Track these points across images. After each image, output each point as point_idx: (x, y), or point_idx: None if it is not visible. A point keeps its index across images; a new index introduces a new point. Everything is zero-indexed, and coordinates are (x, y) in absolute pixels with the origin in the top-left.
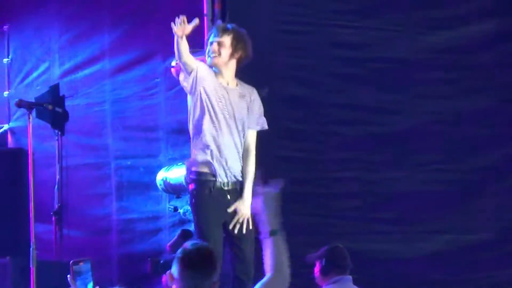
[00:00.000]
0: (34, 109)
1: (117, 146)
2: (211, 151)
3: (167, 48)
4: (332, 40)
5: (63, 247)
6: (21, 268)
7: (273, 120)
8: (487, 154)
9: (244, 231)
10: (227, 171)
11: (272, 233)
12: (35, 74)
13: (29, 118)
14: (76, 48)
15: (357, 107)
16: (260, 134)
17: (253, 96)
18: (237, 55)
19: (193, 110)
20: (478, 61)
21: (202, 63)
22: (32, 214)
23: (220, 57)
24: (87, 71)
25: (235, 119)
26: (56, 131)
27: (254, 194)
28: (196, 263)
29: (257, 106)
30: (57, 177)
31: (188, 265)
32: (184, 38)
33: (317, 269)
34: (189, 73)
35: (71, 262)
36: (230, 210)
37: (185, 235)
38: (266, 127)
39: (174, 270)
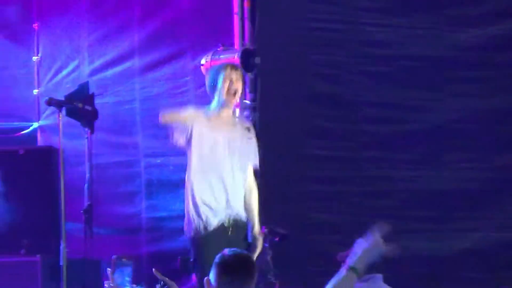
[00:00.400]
0: (64, 107)
1: (147, 144)
2: (207, 191)
3: (197, 47)
4: (363, 38)
5: (93, 245)
6: (51, 266)
7: (304, 118)
8: None
9: None
10: (226, 208)
11: (352, 268)
12: (64, 72)
13: (59, 116)
14: (106, 46)
15: (388, 105)
16: (292, 133)
17: (252, 132)
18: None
19: (187, 149)
20: (508, 59)
21: (193, 116)
22: (62, 213)
23: (237, 96)
24: (116, 69)
25: (235, 155)
26: (86, 129)
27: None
28: (234, 270)
29: (255, 142)
30: (87, 175)
31: (226, 271)
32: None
33: None
34: (184, 133)
35: (113, 256)
36: (258, 242)
37: None
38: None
39: (212, 276)
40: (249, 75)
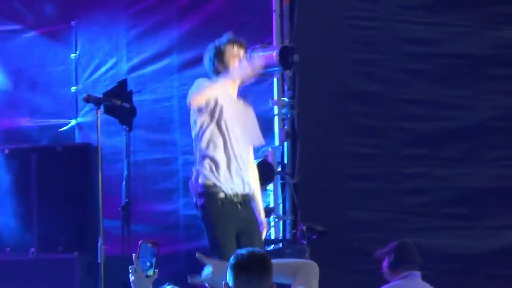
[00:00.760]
0: (102, 105)
1: (185, 142)
2: (221, 163)
3: None
4: (402, 35)
5: (131, 243)
6: (88, 264)
7: (344, 116)
8: None
9: (257, 241)
10: (238, 182)
11: None
12: (102, 70)
13: (97, 114)
14: (144, 44)
15: (426, 102)
16: (331, 131)
17: (252, 111)
18: None
19: (202, 121)
20: None
21: (216, 84)
22: (100, 210)
23: (245, 70)
24: (155, 67)
25: (242, 131)
26: (124, 126)
27: None
28: (250, 268)
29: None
30: (125, 172)
31: (242, 271)
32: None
33: (385, 265)
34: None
35: (140, 241)
36: (264, 229)
37: None
38: (263, 143)
39: (229, 277)
40: (288, 73)
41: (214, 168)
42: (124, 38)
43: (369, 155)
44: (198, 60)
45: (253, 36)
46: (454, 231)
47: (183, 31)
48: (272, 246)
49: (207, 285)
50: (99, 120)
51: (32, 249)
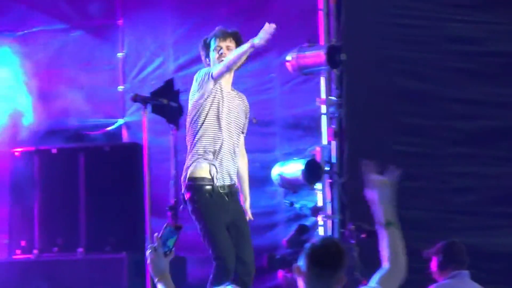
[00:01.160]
0: (149, 104)
1: None
2: (210, 155)
3: (282, 43)
4: (447, 34)
5: (179, 242)
6: (137, 263)
7: (389, 115)
8: None
9: (246, 232)
10: (224, 174)
11: (387, 224)
12: (149, 69)
13: (145, 113)
14: (191, 43)
15: (474, 101)
16: (378, 130)
17: (246, 103)
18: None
19: (197, 113)
20: None
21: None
22: (148, 209)
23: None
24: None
25: (234, 123)
26: (171, 125)
27: (369, 183)
28: (324, 259)
29: (248, 112)
30: (173, 171)
31: (315, 260)
32: None
33: (434, 264)
34: (217, 80)
35: (166, 223)
36: (248, 215)
37: (302, 230)
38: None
39: (302, 263)
40: (335, 72)
41: (202, 160)
42: (171, 37)
43: (416, 154)
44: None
45: (300, 35)
46: (502, 230)
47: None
48: None
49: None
50: (146, 119)
51: (80, 249)
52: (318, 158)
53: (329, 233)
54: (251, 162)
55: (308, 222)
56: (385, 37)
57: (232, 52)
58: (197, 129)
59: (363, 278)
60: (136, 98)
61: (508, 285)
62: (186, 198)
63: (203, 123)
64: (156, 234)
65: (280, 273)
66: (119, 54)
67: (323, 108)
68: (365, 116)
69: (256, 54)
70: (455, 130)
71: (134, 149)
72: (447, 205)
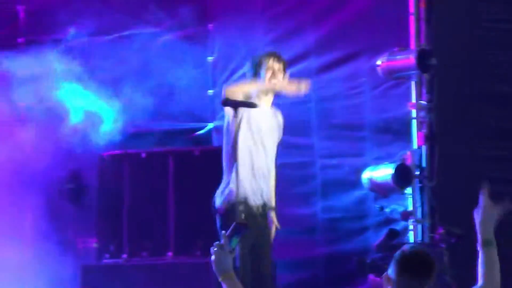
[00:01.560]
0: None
1: (323, 145)
2: (246, 175)
3: (373, 47)
4: None
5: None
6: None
7: (480, 119)
8: None
9: (266, 243)
10: (259, 195)
11: (486, 243)
12: (240, 73)
13: (235, 117)
14: (281, 47)
15: None
16: (469, 134)
17: (280, 119)
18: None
19: (230, 133)
20: None
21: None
22: (237, 213)
23: (278, 84)
24: (292, 70)
25: (269, 142)
26: None
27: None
28: (414, 267)
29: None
30: None
31: (405, 268)
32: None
33: None
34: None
35: (234, 222)
36: (272, 234)
37: (392, 235)
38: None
39: (391, 272)
40: (426, 76)
41: (238, 178)
42: (261, 41)
43: (508, 159)
44: (336, 63)
45: (390, 39)
46: None
47: (320, 34)
48: None
49: None
50: (236, 123)
51: (170, 253)
52: (408, 162)
53: (419, 237)
54: (341, 166)
55: (398, 226)
56: (476, 41)
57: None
58: (231, 146)
59: (453, 282)
60: (226, 102)
61: None
62: (218, 212)
63: (235, 138)
64: (224, 232)
65: (370, 278)
66: (209, 58)
67: (414, 113)
68: (456, 120)
69: (346, 58)
70: None
71: None
72: None
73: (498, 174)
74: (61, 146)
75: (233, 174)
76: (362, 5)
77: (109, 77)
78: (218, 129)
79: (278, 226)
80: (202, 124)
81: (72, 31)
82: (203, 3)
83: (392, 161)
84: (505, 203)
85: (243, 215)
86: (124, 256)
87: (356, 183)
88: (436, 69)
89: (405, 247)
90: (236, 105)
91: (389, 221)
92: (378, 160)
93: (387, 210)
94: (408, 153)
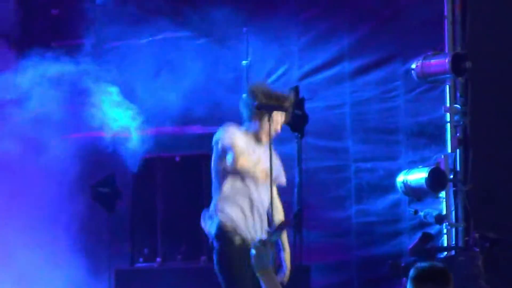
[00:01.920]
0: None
1: (357, 149)
2: (242, 208)
3: (408, 51)
4: None
5: (303, 250)
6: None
7: None
8: None
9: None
10: (253, 229)
11: None
12: (274, 76)
13: (269, 121)
14: (315, 51)
15: None
16: (503, 138)
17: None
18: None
19: (223, 166)
20: None
21: (235, 135)
22: (272, 217)
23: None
24: (326, 74)
25: (266, 174)
26: (296, 133)
27: None
28: (433, 279)
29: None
30: (297, 179)
31: (424, 281)
32: None
33: None
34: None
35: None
36: (286, 265)
37: (426, 239)
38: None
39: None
40: (460, 80)
41: (234, 213)
42: (296, 45)
43: None
44: (370, 67)
45: (424, 42)
46: None
47: (354, 38)
48: (445, 253)
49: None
50: (271, 127)
51: (204, 257)
52: (443, 166)
53: (453, 241)
54: (375, 170)
55: (433, 230)
56: (510, 45)
57: None
58: (224, 180)
59: (487, 286)
60: (260, 106)
61: None
62: (213, 246)
63: (229, 175)
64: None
65: (404, 281)
66: (244, 62)
67: (448, 116)
68: (490, 124)
69: (381, 62)
70: None
71: None
72: None
73: None
74: (95, 151)
75: (227, 208)
76: (396, 8)
77: (142, 81)
78: None
79: (287, 273)
80: None
81: (105, 34)
82: (238, 7)
83: (426, 165)
84: None
85: (233, 247)
86: (158, 260)
87: (390, 187)
88: (470, 73)
89: (418, 265)
90: (270, 109)
91: (423, 224)
92: (412, 164)
93: (421, 214)
94: (442, 156)
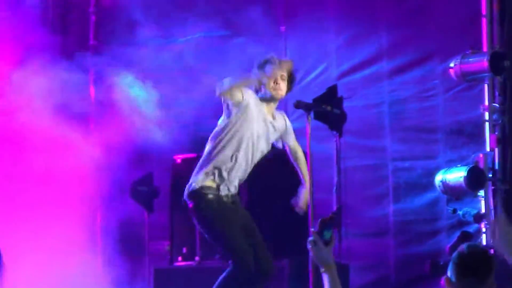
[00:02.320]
0: (312, 110)
1: (395, 148)
2: (220, 170)
3: (446, 50)
4: None
5: (341, 248)
6: (299, 270)
7: None
8: None
9: (255, 229)
10: (230, 185)
11: None
12: (312, 75)
13: (308, 119)
14: (353, 50)
15: None
16: None
17: (287, 123)
18: (289, 90)
19: (221, 130)
20: None
21: (249, 92)
22: (311, 216)
23: (282, 91)
24: (365, 72)
25: (257, 150)
26: (334, 132)
27: None
28: (472, 268)
29: (291, 127)
30: (335, 178)
31: (464, 270)
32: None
33: None
34: (237, 103)
35: (320, 219)
36: (302, 200)
37: (465, 237)
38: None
39: (451, 274)
40: (498, 78)
41: (216, 171)
42: (334, 44)
43: None
44: (409, 66)
45: (462, 41)
46: None
47: (392, 37)
48: None
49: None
50: (309, 126)
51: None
52: (481, 165)
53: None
54: (413, 169)
55: (471, 229)
56: None
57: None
58: (217, 143)
59: None
60: (299, 105)
61: None
62: (190, 207)
63: (223, 140)
64: (312, 229)
65: (443, 280)
66: None
67: (486, 115)
68: None
69: (419, 60)
70: None
71: None
72: None
73: None
74: (135, 150)
75: (206, 168)
76: (434, 8)
77: (181, 80)
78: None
79: (303, 207)
80: None
81: (144, 34)
82: (276, 6)
83: (465, 163)
84: None
85: (214, 203)
86: (197, 258)
87: (428, 186)
88: (509, 72)
89: (461, 248)
90: (308, 108)
91: (461, 223)
92: (451, 163)
93: (459, 212)
94: (481, 155)
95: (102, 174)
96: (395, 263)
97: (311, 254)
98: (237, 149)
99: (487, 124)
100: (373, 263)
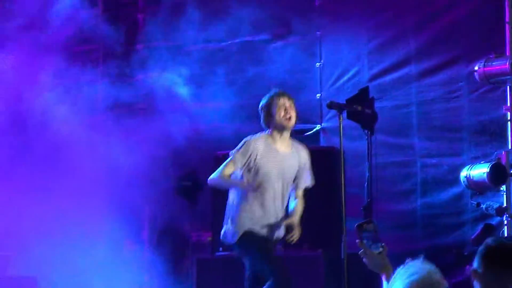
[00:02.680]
0: (345, 111)
1: (423, 145)
2: (254, 213)
3: (471, 53)
4: None
5: None
6: (333, 261)
7: None
8: None
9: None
10: (269, 229)
11: None
12: (345, 78)
13: (340, 119)
14: (384, 53)
15: None
16: None
17: (305, 157)
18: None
19: (240, 174)
20: None
21: (254, 141)
22: (343, 209)
23: (293, 119)
24: (394, 75)
25: (283, 183)
26: (366, 131)
27: None
28: (500, 259)
29: (308, 165)
30: (367, 174)
31: (492, 261)
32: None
33: None
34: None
35: (356, 225)
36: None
37: (488, 229)
38: (310, 184)
39: (478, 266)
40: None
41: (248, 217)
42: (365, 48)
43: None
44: (435, 69)
45: (487, 46)
46: None
47: (421, 41)
48: None
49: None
50: (341, 125)
51: (279, 246)
52: (504, 161)
53: None
54: (440, 165)
55: (494, 221)
56: None
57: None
58: (240, 191)
59: None
60: (332, 105)
61: None
62: (234, 248)
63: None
64: (357, 241)
65: (468, 269)
66: (317, 64)
67: (508, 115)
68: None
69: (445, 63)
70: None
71: (331, 153)
72: None
73: None
74: (178, 146)
75: (242, 213)
76: (460, 14)
77: (223, 81)
78: (325, 130)
79: (295, 235)
80: (311, 126)
81: (187, 38)
82: (312, 13)
83: (488, 160)
84: None
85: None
86: None
87: (454, 181)
88: None
89: (489, 241)
90: (341, 108)
91: (485, 216)
92: (475, 160)
93: (483, 206)
94: (503, 153)
95: (147, 168)
96: (423, 253)
97: (366, 263)
98: (261, 193)
99: (509, 123)
100: (402, 254)
